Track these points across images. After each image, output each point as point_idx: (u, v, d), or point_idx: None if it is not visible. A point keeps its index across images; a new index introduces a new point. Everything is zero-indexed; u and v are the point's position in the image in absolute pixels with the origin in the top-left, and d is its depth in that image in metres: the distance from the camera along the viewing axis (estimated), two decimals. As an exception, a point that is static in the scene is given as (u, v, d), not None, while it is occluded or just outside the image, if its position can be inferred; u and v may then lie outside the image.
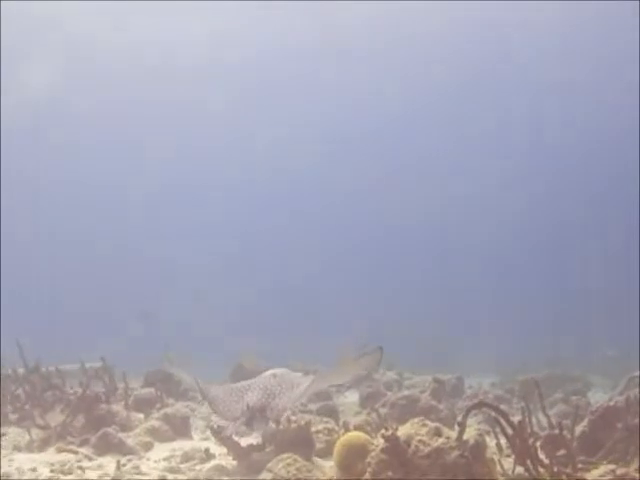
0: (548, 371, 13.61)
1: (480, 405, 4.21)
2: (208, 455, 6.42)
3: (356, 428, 6.16)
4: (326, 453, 6.16)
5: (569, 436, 5.73)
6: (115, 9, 39.92)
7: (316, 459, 5.97)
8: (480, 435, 4.29)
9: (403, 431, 4.39)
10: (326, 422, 6.52)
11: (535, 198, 45.42)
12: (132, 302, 30.80)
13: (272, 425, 5.91)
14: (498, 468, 4.84)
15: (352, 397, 10.81)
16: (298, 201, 48.27)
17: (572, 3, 38.98)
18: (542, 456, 5.10)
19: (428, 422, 4.42)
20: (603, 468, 4.42)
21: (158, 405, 7.95)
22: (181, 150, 47.24)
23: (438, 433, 4.32)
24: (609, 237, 40.37)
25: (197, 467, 6.17)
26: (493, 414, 4.10)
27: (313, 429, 6.40)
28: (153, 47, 43.11)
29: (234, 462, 6.11)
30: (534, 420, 9.19)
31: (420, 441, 4.26)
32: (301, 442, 5.98)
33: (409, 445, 4.25)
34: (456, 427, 4.27)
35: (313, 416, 6.89)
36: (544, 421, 9.32)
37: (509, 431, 4.14)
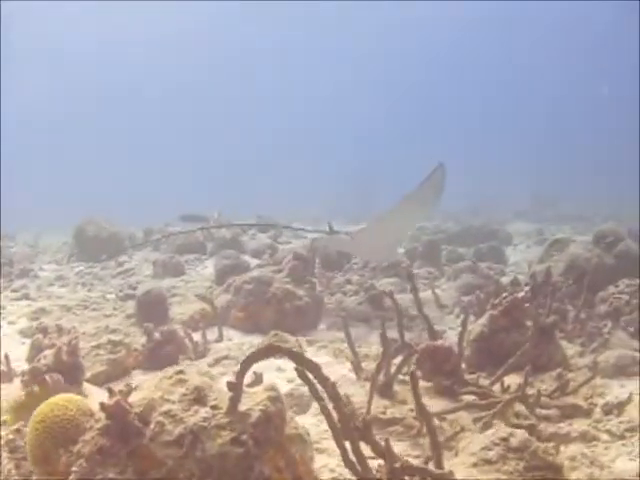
0: (464, 225, 12.33)
1: (271, 350, 2.49)
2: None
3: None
4: (109, 377, 4.52)
5: (456, 350, 4.17)
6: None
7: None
8: (273, 401, 2.59)
9: (143, 394, 2.64)
10: (112, 331, 4.77)
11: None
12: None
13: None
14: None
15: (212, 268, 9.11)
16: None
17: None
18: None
19: (188, 376, 2.68)
20: (496, 432, 2.81)
21: None
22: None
23: (200, 398, 2.59)
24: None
25: None
26: (296, 366, 2.38)
27: (94, 343, 4.68)
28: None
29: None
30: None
31: (167, 414, 2.53)
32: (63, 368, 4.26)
33: (147, 422, 2.52)
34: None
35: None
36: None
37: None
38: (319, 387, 2.45)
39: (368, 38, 51.80)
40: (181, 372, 2.70)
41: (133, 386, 2.68)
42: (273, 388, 2.64)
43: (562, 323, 5.53)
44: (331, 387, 2.40)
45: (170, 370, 2.73)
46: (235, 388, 2.47)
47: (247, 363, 2.48)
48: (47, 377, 3.82)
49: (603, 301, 6.25)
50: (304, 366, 2.45)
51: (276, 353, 2.51)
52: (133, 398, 2.59)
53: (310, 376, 2.47)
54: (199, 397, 2.58)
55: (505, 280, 7.34)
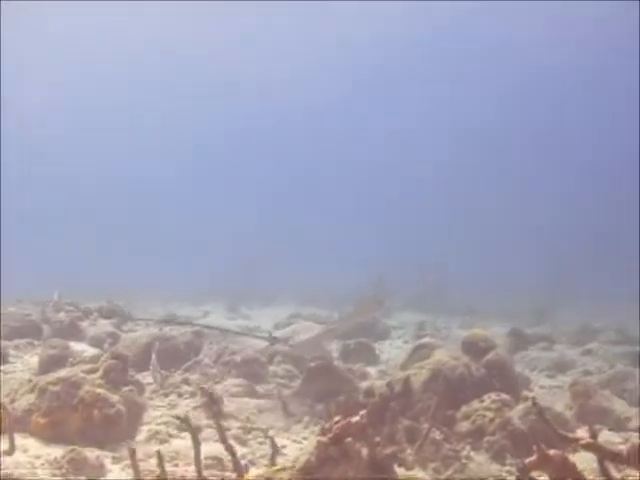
0: (340, 314, 11.80)
1: None
2: None
3: None
4: None
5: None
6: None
7: None
8: None
9: None
10: None
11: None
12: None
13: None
14: None
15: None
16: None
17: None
18: None
19: None
20: None
21: None
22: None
23: None
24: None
25: None
26: None
27: None
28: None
29: None
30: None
31: None
32: None
33: None
34: None
35: None
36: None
37: None
38: None
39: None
40: None
41: None
42: None
43: (412, 447, 4.96)
44: None
45: None
46: None
47: None
48: None
49: (466, 417, 5.72)
50: None
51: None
52: None
53: None
54: None
55: (365, 385, 6.80)
